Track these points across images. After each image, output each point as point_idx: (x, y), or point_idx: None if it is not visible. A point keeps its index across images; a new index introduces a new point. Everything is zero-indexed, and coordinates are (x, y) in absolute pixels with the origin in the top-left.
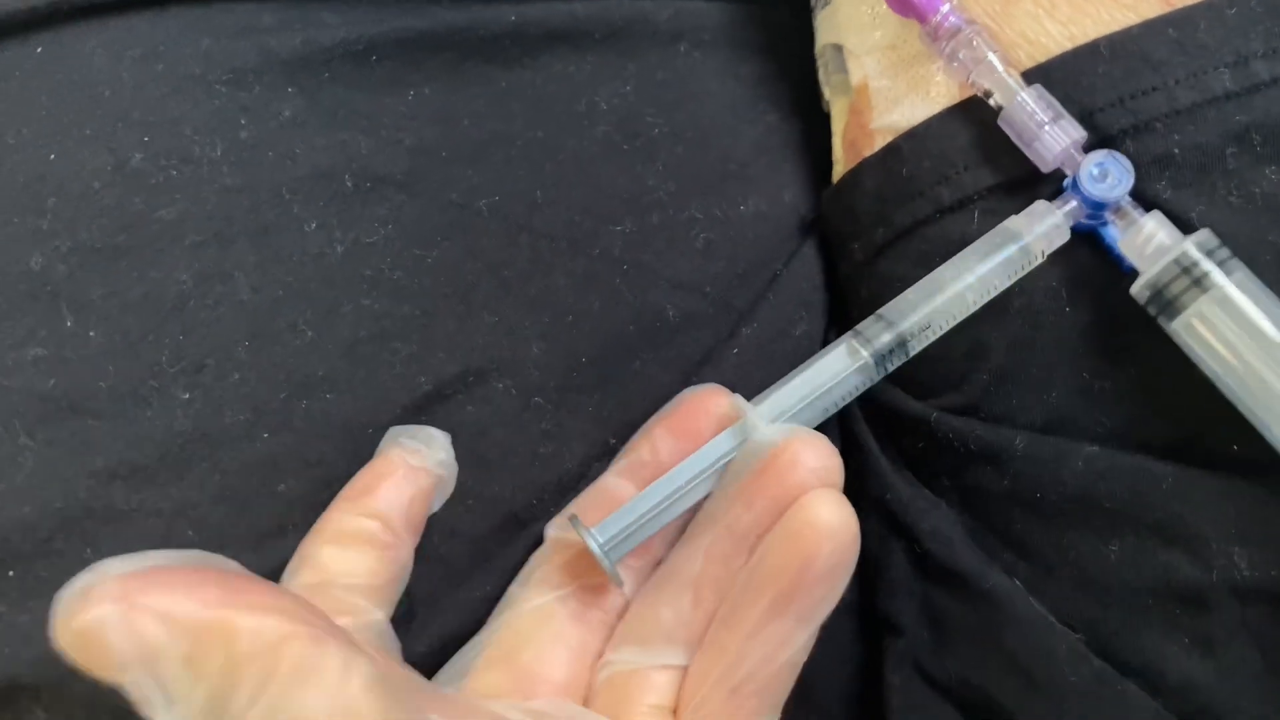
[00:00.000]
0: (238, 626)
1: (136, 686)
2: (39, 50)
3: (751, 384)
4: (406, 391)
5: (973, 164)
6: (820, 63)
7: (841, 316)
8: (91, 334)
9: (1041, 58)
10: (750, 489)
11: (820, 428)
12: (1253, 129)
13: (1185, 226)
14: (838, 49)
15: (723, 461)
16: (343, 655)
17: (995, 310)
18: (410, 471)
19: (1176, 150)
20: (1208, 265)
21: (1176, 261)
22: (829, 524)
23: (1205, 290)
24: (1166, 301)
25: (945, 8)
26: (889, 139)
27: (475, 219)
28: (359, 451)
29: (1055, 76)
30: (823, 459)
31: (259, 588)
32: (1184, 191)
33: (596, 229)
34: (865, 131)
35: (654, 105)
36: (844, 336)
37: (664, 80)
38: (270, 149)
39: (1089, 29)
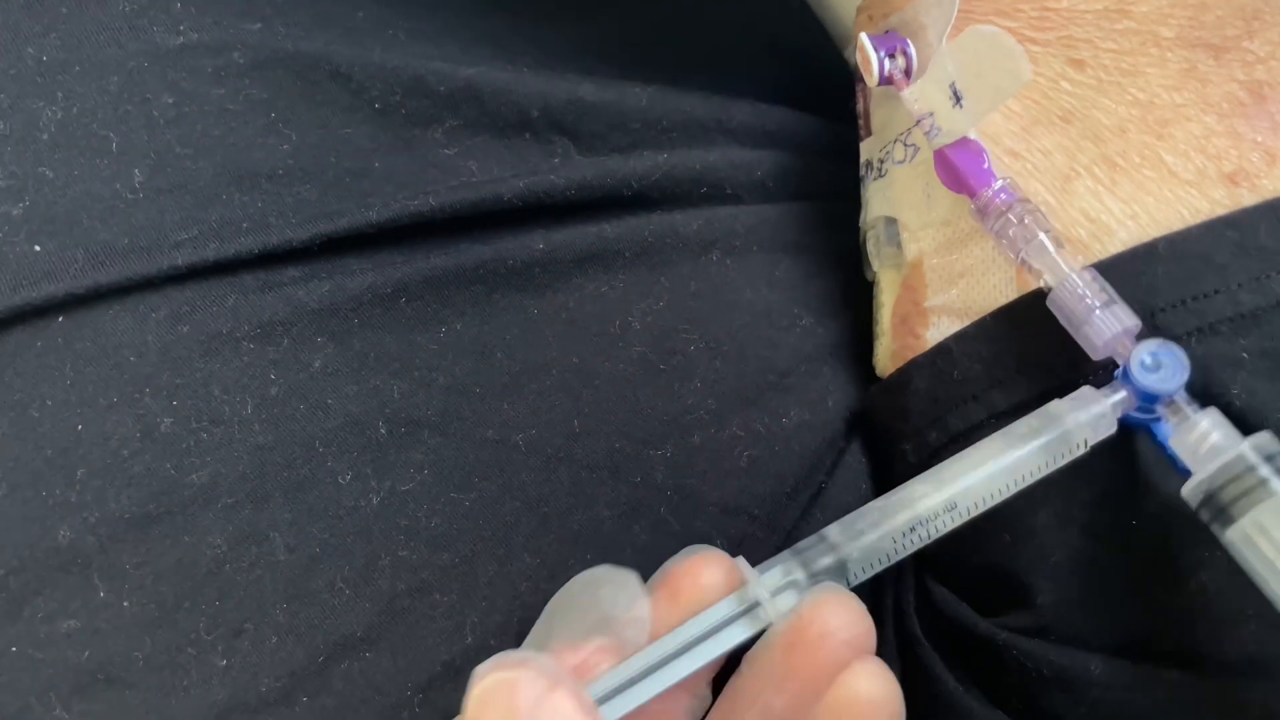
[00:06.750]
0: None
1: None
2: (60, 320)
3: None
4: (448, 646)
5: (1026, 367)
6: (871, 235)
7: None
8: (125, 604)
9: (1103, 236)
10: (780, 671)
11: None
12: None
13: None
14: (891, 222)
15: (724, 629)
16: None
17: (1057, 520)
18: None
19: (1245, 355)
20: (1265, 471)
21: (1229, 465)
22: (872, 700)
23: (1263, 499)
24: (1219, 508)
25: (997, 184)
26: (942, 318)
27: (513, 455)
28: (398, 714)
29: (1113, 274)
30: (852, 625)
31: None
32: (1257, 395)
33: (638, 454)
34: (919, 309)
35: (688, 320)
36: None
37: (697, 291)
38: (301, 402)
39: (1151, 207)
